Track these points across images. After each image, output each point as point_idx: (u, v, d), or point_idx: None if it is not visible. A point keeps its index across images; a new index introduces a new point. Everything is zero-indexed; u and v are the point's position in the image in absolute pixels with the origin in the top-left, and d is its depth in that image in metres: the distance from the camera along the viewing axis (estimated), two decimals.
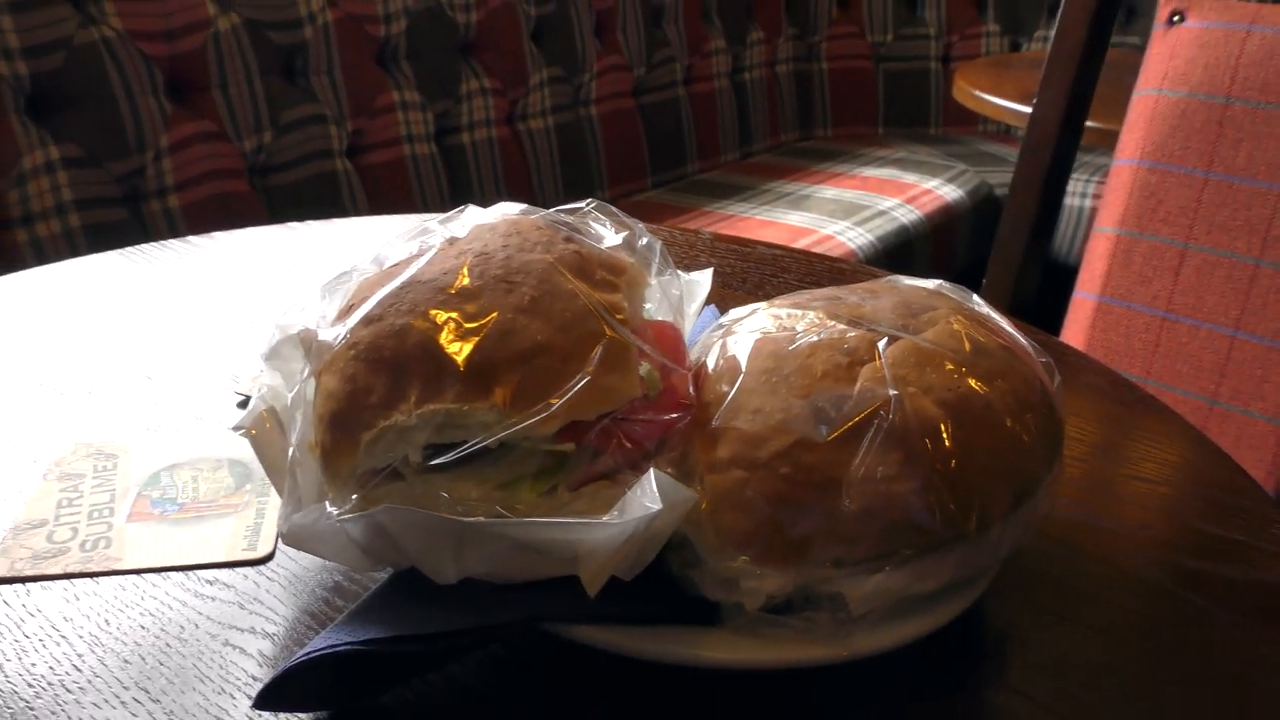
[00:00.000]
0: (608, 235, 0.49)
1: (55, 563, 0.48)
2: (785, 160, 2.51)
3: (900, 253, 2.06)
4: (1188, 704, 0.43)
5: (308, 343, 0.45)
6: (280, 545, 0.50)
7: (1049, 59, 1.17)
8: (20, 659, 0.44)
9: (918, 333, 0.44)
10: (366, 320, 0.43)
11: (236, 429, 0.46)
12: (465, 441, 0.40)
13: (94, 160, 1.42)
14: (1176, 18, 1.07)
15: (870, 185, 2.26)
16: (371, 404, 0.41)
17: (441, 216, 0.48)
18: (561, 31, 2.10)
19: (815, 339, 0.43)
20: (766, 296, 0.85)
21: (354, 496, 0.42)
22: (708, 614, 0.42)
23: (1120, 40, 2.53)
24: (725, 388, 0.43)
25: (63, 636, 0.45)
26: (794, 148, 2.65)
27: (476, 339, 0.41)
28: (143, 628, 0.45)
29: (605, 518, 0.38)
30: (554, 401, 0.40)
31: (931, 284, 0.51)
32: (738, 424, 0.42)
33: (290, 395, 0.46)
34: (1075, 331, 1.13)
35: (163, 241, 0.91)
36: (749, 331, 0.46)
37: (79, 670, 0.43)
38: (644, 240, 0.50)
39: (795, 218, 2.08)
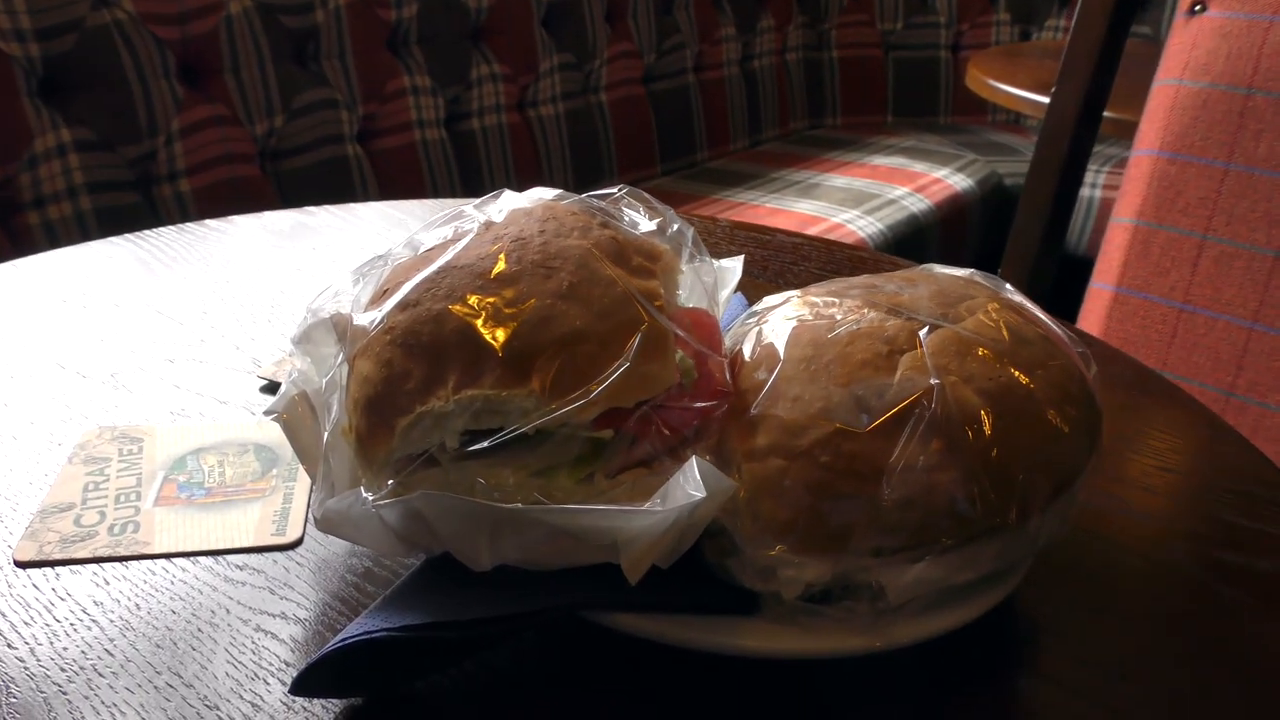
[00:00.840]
0: (641, 221, 0.48)
1: (84, 546, 0.48)
2: (795, 148, 2.50)
3: (910, 242, 2.06)
4: (1219, 695, 0.43)
5: (341, 327, 0.45)
6: (309, 530, 0.50)
7: (1067, 50, 1.16)
8: (52, 643, 0.43)
9: (957, 321, 0.44)
10: (403, 305, 0.42)
11: (269, 413, 0.46)
12: (503, 428, 0.40)
13: (106, 143, 1.42)
14: (1198, 7, 1.07)
15: (880, 174, 2.26)
16: (408, 389, 0.41)
17: (476, 201, 0.48)
18: (572, 17, 2.09)
19: (855, 327, 0.43)
20: (788, 284, 0.84)
21: (389, 482, 0.41)
22: (744, 602, 0.41)
23: (1133, 30, 2.52)
24: (763, 375, 0.43)
25: (94, 621, 0.45)
26: (804, 135, 2.64)
27: (515, 325, 0.40)
28: (174, 612, 0.45)
29: (647, 505, 0.38)
30: (593, 388, 0.40)
31: (965, 273, 0.50)
32: (776, 412, 0.41)
33: (323, 380, 0.46)
34: (1092, 322, 1.13)
35: (179, 225, 0.91)
36: (785, 319, 0.45)
37: (111, 655, 0.43)
38: (675, 226, 0.50)
39: (805, 206, 2.07)
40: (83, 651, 0.43)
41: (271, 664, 0.43)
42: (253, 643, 0.44)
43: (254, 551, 0.49)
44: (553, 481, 0.41)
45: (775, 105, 2.61)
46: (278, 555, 0.49)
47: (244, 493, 0.52)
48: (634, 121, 2.24)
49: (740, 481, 0.41)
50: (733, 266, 0.54)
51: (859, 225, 1.98)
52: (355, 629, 0.40)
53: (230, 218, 0.93)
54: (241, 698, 0.41)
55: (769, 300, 0.49)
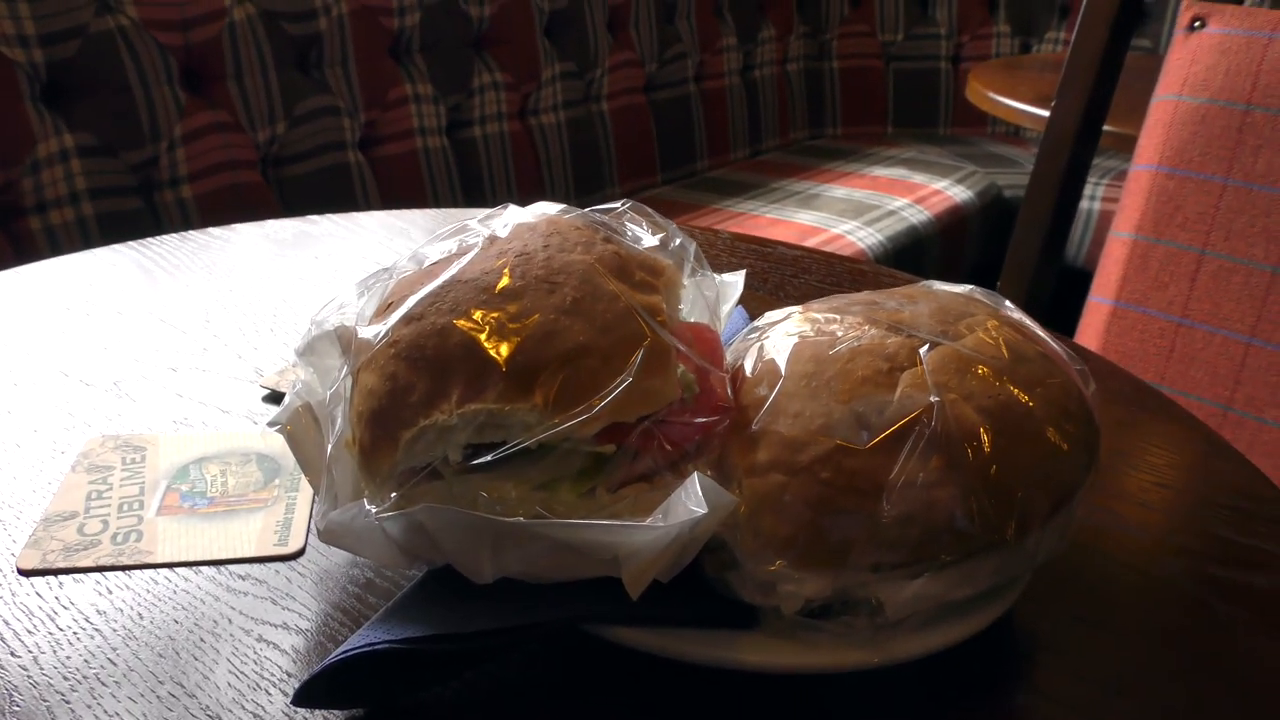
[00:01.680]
0: (644, 236, 0.49)
1: (87, 555, 0.48)
2: (795, 158, 2.51)
3: (910, 253, 2.06)
4: (1214, 711, 0.43)
5: (345, 340, 0.45)
6: (311, 540, 0.50)
7: (1067, 64, 1.17)
8: (55, 652, 0.44)
9: (957, 339, 0.44)
10: (408, 319, 0.43)
11: (272, 424, 0.46)
12: (505, 441, 0.40)
13: (108, 149, 1.42)
14: (1197, 24, 1.07)
15: (880, 185, 2.26)
16: (412, 402, 0.41)
17: (481, 215, 0.48)
18: (574, 26, 2.10)
19: (856, 344, 0.43)
20: (788, 297, 0.85)
21: (392, 495, 0.42)
22: (744, 617, 0.42)
23: (1132, 43, 2.53)
24: (764, 391, 0.43)
25: (97, 630, 0.45)
26: (804, 146, 2.65)
27: (518, 339, 0.41)
28: (176, 621, 0.46)
29: (649, 520, 0.38)
30: (595, 403, 0.40)
31: (964, 289, 0.51)
32: (777, 427, 0.42)
33: (327, 392, 0.46)
34: (1090, 335, 1.13)
35: (182, 233, 0.91)
36: (786, 335, 0.46)
37: (114, 664, 0.43)
38: (678, 241, 0.50)
39: (805, 216, 2.08)
40: (85, 660, 0.43)
41: (273, 674, 0.43)
42: (255, 653, 0.44)
43: (256, 562, 0.49)
44: (555, 495, 0.41)
45: (776, 115, 2.62)
46: (280, 566, 0.49)
47: (246, 502, 0.53)
48: (635, 130, 2.24)
49: (741, 497, 0.41)
50: (734, 281, 0.54)
51: (859, 236, 1.99)
52: (357, 640, 0.40)
53: (233, 226, 0.94)
54: (244, 708, 0.41)
55: (770, 316, 0.49)
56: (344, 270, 0.84)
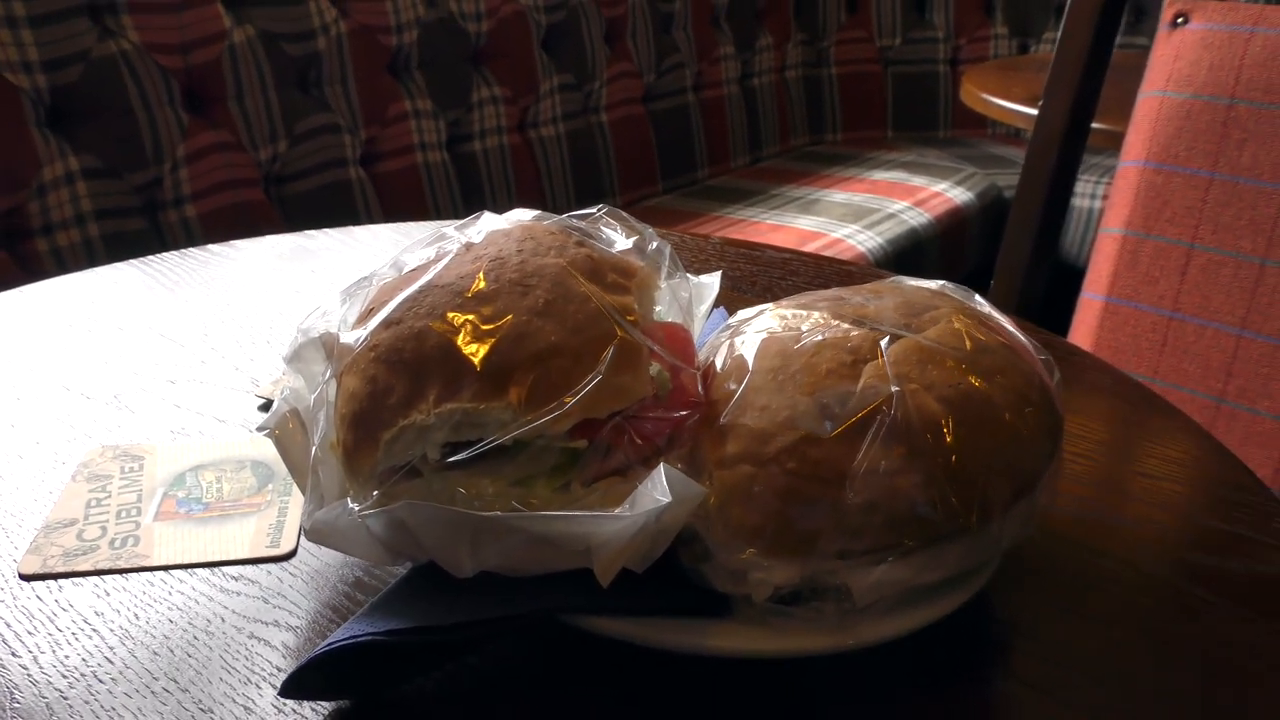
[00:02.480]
0: (619, 240, 0.50)
1: (86, 560, 0.50)
2: (795, 165, 2.53)
3: (910, 255, 2.07)
4: (1191, 695, 0.44)
5: (329, 345, 0.47)
6: (302, 542, 0.52)
7: (1054, 62, 1.18)
8: (54, 651, 0.45)
9: (919, 331, 0.45)
10: (386, 323, 0.44)
11: (261, 430, 0.48)
12: (482, 439, 0.42)
13: (112, 171, 1.45)
14: (1180, 20, 1.08)
15: (880, 188, 2.28)
16: (391, 404, 0.42)
17: (458, 223, 0.50)
18: (572, 39, 2.12)
19: (820, 338, 0.45)
20: (775, 299, 0.86)
21: (374, 493, 0.43)
22: (717, 606, 0.43)
23: (1129, 42, 2.54)
24: (733, 386, 0.45)
25: (94, 630, 0.46)
26: (804, 152, 2.66)
27: (493, 341, 0.42)
28: (171, 621, 0.47)
29: (617, 511, 0.40)
30: (567, 400, 0.41)
31: (935, 284, 0.52)
32: (745, 421, 0.43)
33: (312, 397, 0.48)
34: (1083, 332, 1.14)
35: (183, 250, 0.93)
36: (756, 331, 0.47)
37: (110, 662, 0.45)
38: (654, 244, 0.52)
39: (805, 221, 2.09)
40: (83, 659, 0.45)
41: (264, 670, 0.44)
42: (246, 650, 0.45)
43: (249, 563, 0.50)
44: (530, 490, 0.42)
45: (775, 122, 2.63)
46: (272, 566, 0.51)
47: (240, 507, 0.54)
48: (634, 141, 2.26)
49: (711, 488, 0.42)
50: (710, 282, 0.56)
51: (859, 240, 2.00)
52: (343, 633, 0.41)
53: (233, 242, 0.96)
54: (235, 702, 0.43)
55: (743, 314, 0.51)
56: (339, 283, 0.85)
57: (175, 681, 0.44)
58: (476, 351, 0.42)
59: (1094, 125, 1.24)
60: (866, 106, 2.78)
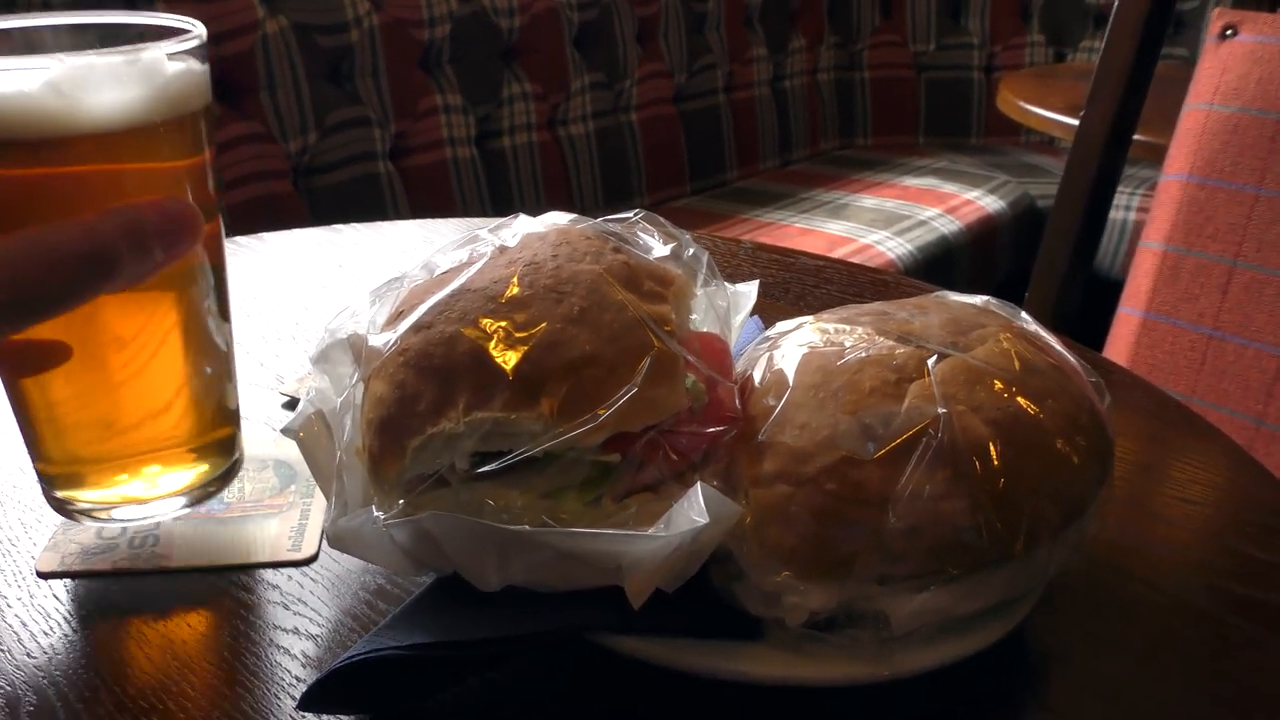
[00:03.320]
0: (655, 246, 0.49)
1: (104, 559, 0.49)
2: (825, 168, 2.51)
3: (940, 263, 2.05)
4: None
5: (357, 348, 0.46)
6: (324, 546, 0.51)
7: (1097, 73, 1.16)
8: (70, 653, 0.44)
9: (967, 350, 0.44)
10: (416, 327, 0.43)
11: (285, 431, 0.47)
12: (512, 450, 0.41)
13: None
14: (1229, 32, 1.06)
15: (910, 195, 2.25)
16: (420, 411, 0.41)
17: (492, 225, 0.49)
18: (604, 37, 2.11)
19: (863, 354, 0.43)
20: (809, 307, 0.85)
21: (400, 502, 0.42)
22: (749, 627, 0.41)
23: (1167, 52, 2.51)
24: (771, 401, 0.43)
25: (111, 631, 0.46)
26: (834, 156, 2.64)
27: (525, 348, 0.41)
28: (189, 625, 0.46)
29: (651, 530, 0.38)
30: (601, 412, 0.40)
31: (979, 300, 0.50)
32: (784, 439, 0.42)
33: (339, 399, 0.46)
34: (1119, 348, 1.12)
35: None
36: (796, 345, 0.46)
37: (127, 665, 0.44)
38: (690, 251, 0.50)
39: (834, 226, 2.07)
40: (99, 661, 0.44)
41: (283, 679, 0.43)
42: (266, 657, 0.44)
43: (270, 566, 0.49)
44: (560, 504, 0.41)
45: (806, 125, 2.61)
46: (293, 571, 0.49)
47: (262, 508, 0.53)
48: (664, 141, 2.25)
49: (747, 507, 0.41)
50: (747, 291, 0.54)
51: (888, 246, 1.98)
52: (363, 646, 0.40)
53: (259, 234, 0.95)
54: (256, 711, 0.41)
55: (781, 326, 0.49)
56: (366, 279, 0.84)
57: (192, 686, 0.43)
58: (508, 359, 0.41)
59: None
60: (898, 111, 2.75)
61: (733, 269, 0.89)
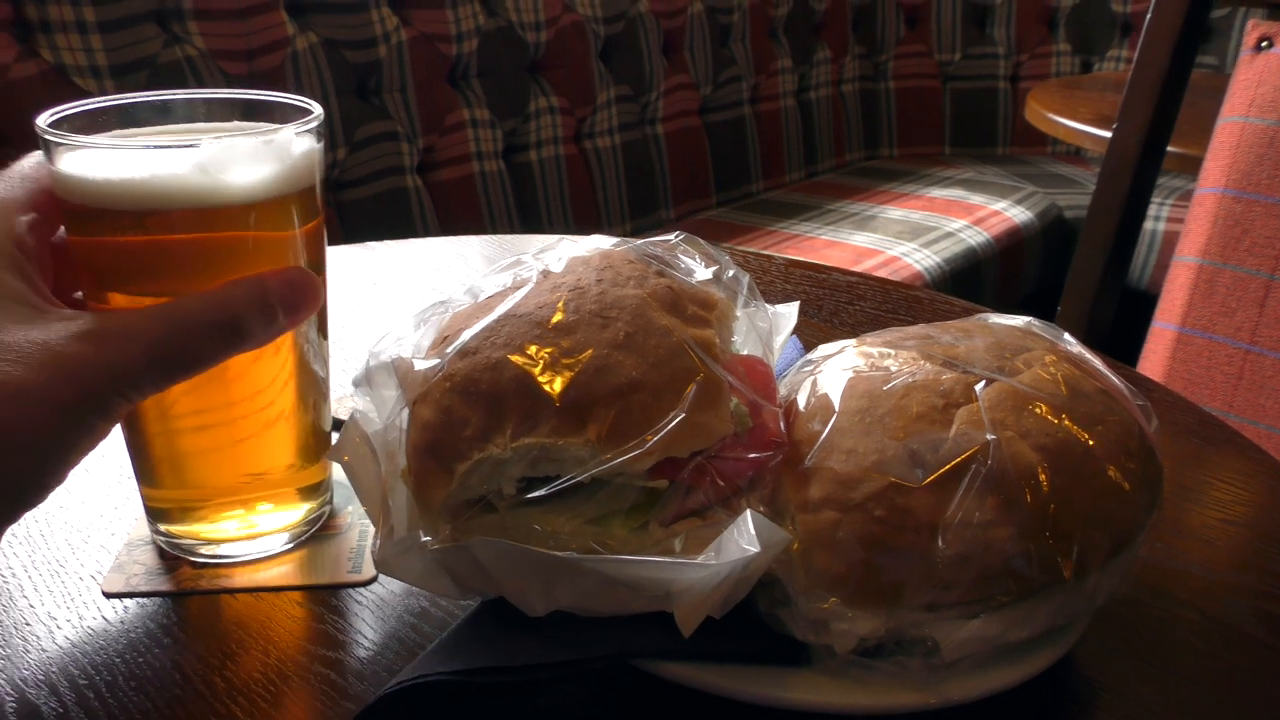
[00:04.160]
0: (697, 268, 0.49)
1: (169, 580, 0.49)
2: (850, 180, 2.50)
3: (968, 275, 2.04)
4: None
5: (402, 372, 0.46)
6: None
7: (1129, 85, 1.15)
8: (132, 670, 0.45)
9: (1013, 374, 0.43)
10: (462, 353, 0.43)
11: (331, 457, 0.47)
12: (559, 476, 0.41)
13: None
14: (1265, 44, 1.05)
15: (937, 206, 2.24)
16: (467, 436, 0.41)
17: (535, 249, 0.49)
18: (629, 51, 2.11)
19: (910, 379, 0.43)
20: (842, 324, 0.84)
21: (447, 528, 0.42)
22: (796, 653, 0.41)
23: (1197, 61, 2.49)
24: (817, 426, 0.43)
25: (171, 649, 0.46)
26: (859, 167, 2.64)
27: (572, 374, 0.41)
28: (244, 648, 0.46)
29: (701, 558, 0.38)
30: (648, 438, 0.40)
31: (1021, 321, 0.50)
32: (831, 464, 0.41)
33: (383, 423, 0.47)
34: (1154, 362, 1.11)
35: None
36: (840, 369, 0.46)
37: (188, 682, 0.44)
38: (731, 272, 0.50)
39: (861, 238, 2.06)
40: (160, 678, 0.44)
41: (325, 698, 0.43)
42: (317, 677, 0.45)
43: (332, 588, 0.50)
44: (607, 529, 0.41)
45: (831, 136, 2.61)
46: (343, 593, 0.50)
47: (325, 529, 0.54)
48: (689, 153, 2.25)
49: (794, 533, 0.41)
50: (788, 312, 0.54)
51: (916, 259, 1.97)
52: (412, 671, 0.40)
53: None
54: None
55: (824, 349, 0.49)
56: (401, 297, 0.85)
57: (242, 706, 0.43)
58: (555, 385, 0.41)
59: None
60: (924, 122, 2.74)
61: (765, 285, 0.89)
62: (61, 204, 0.46)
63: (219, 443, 0.50)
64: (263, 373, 0.49)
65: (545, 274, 0.46)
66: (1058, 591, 0.41)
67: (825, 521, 0.41)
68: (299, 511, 0.53)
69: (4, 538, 0.47)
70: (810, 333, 0.80)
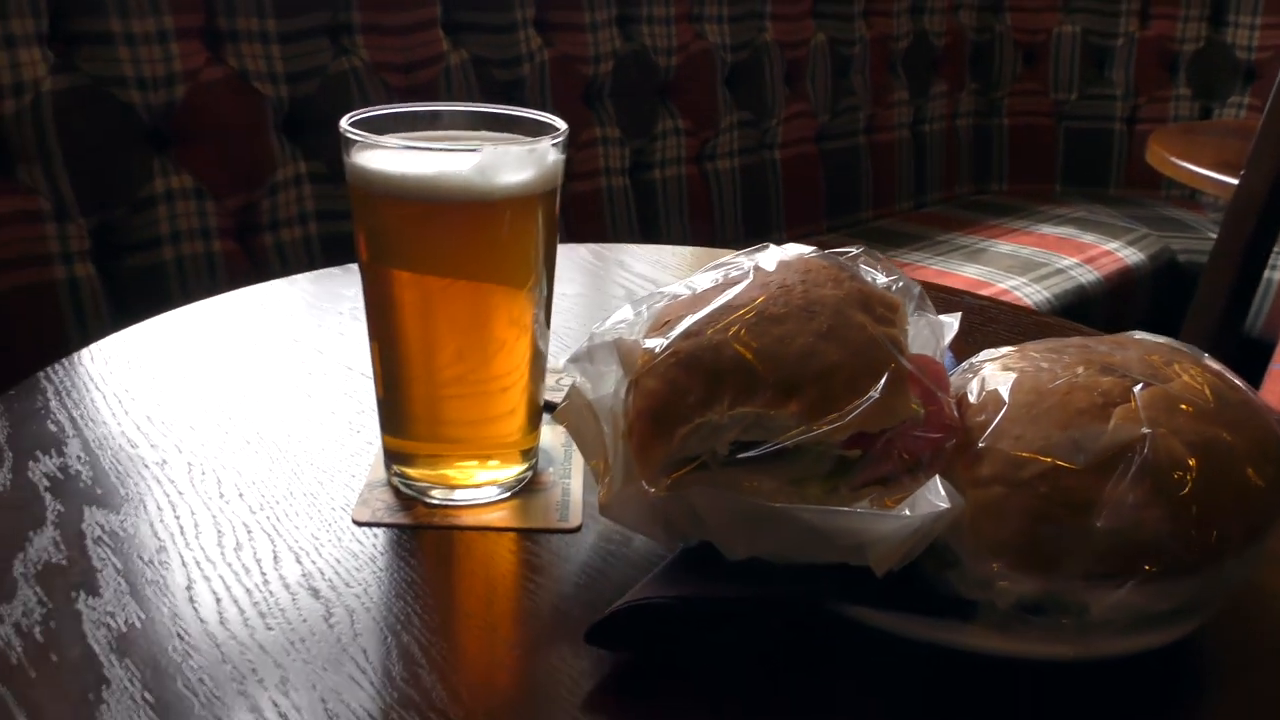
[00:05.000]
0: (879, 277, 0.56)
1: (407, 515, 0.59)
2: (959, 212, 2.54)
3: (1076, 312, 2.06)
4: None
5: (624, 350, 0.54)
6: (585, 519, 0.59)
7: (1259, 133, 1.18)
8: (379, 586, 0.53)
9: (1166, 381, 0.50)
10: (686, 335, 0.51)
11: (558, 419, 0.56)
12: (766, 441, 0.48)
13: (335, 176, 1.58)
14: None
15: (1048, 243, 2.27)
16: (690, 403, 0.49)
17: (745, 252, 0.57)
18: (753, 78, 2.19)
19: (1073, 379, 0.49)
20: (977, 344, 0.90)
21: (666, 480, 0.50)
22: (961, 610, 0.48)
23: None
24: (987, 416, 0.50)
25: (412, 571, 0.55)
26: (968, 200, 2.67)
27: (782, 357, 0.49)
28: (472, 573, 0.55)
29: (895, 511, 0.45)
30: (846, 414, 0.47)
31: (1165, 340, 0.56)
32: (1001, 446, 0.48)
33: (603, 392, 0.55)
34: (1272, 404, 1.14)
35: None
36: (1005, 369, 0.52)
37: (427, 597, 0.53)
38: (902, 284, 0.57)
39: (971, 270, 2.10)
40: (401, 595, 0.53)
41: (563, 619, 0.52)
42: (531, 599, 0.53)
43: (544, 532, 0.58)
44: (804, 490, 0.49)
45: (941, 169, 2.65)
46: (554, 536, 0.58)
47: (530, 485, 0.62)
48: (804, 178, 2.32)
49: (965, 504, 0.48)
50: (950, 322, 0.61)
51: (1025, 292, 2.01)
52: (634, 594, 0.48)
53: None
54: (538, 646, 0.50)
55: (987, 353, 0.56)
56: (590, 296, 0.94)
57: (479, 617, 0.51)
58: (768, 365, 0.49)
59: None
60: (1035, 159, 2.76)
61: None
62: (354, 190, 0.56)
63: (473, 407, 0.59)
64: (514, 352, 0.58)
65: (757, 269, 0.54)
66: (1197, 571, 0.47)
67: (994, 495, 0.47)
68: (518, 469, 0.61)
69: (261, 474, 0.56)
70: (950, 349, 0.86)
